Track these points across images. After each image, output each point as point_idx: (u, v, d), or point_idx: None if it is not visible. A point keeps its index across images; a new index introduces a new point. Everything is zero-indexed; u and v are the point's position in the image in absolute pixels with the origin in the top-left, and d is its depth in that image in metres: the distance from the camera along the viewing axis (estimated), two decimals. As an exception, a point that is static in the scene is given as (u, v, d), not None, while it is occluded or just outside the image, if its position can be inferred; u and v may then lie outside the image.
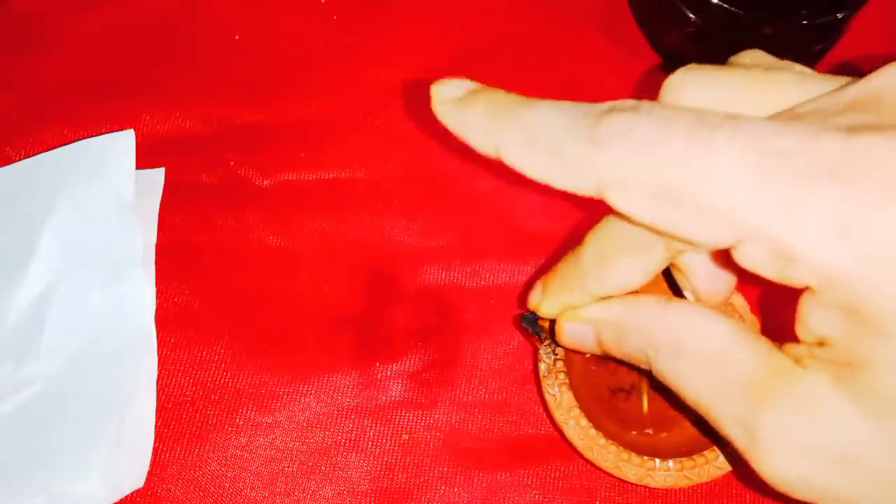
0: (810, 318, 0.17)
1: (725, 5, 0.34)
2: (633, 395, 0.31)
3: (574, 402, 0.29)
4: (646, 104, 0.17)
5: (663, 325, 0.20)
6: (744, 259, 0.16)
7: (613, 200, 0.17)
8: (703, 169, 0.16)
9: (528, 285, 0.35)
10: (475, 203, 0.37)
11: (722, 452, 0.27)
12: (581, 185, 0.18)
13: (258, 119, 0.38)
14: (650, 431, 0.30)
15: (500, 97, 0.19)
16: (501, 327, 0.34)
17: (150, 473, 0.31)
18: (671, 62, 0.39)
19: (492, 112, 0.19)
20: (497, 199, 0.37)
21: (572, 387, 0.29)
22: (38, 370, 0.32)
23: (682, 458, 0.28)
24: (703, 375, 0.18)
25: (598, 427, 0.28)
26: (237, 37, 0.40)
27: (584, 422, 0.28)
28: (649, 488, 0.29)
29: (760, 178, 0.15)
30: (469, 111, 0.20)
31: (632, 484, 0.28)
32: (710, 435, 0.28)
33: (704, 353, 0.18)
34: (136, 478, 0.31)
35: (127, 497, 0.30)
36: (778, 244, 0.16)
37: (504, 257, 0.35)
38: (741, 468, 0.18)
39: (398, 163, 0.37)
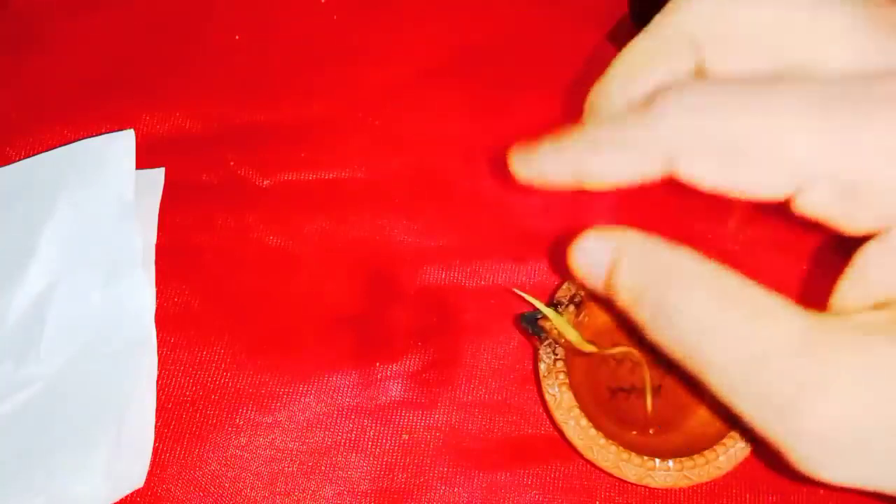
0: (870, 270, 0.16)
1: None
2: (633, 395, 0.31)
3: (574, 402, 0.29)
4: (686, 81, 0.18)
5: (700, 273, 0.17)
6: (808, 206, 0.16)
7: (683, 169, 0.17)
8: (765, 117, 0.16)
9: (529, 285, 0.35)
10: (475, 203, 0.37)
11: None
12: (651, 164, 0.18)
13: (258, 119, 0.38)
14: (652, 431, 0.30)
15: (559, 138, 0.20)
16: (501, 327, 0.34)
17: (150, 473, 0.31)
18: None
19: (558, 149, 0.20)
20: (497, 199, 0.37)
21: (572, 387, 0.29)
22: (38, 370, 0.32)
23: (682, 458, 0.28)
24: (738, 336, 0.16)
25: (598, 427, 0.28)
26: (237, 37, 0.40)
27: (584, 422, 0.28)
28: (649, 488, 0.29)
29: (822, 118, 0.15)
30: (541, 157, 0.20)
31: (632, 484, 0.28)
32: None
33: (745, 311, 0.17)
34: (136, 478, 0.31)
35: (127, 497, 0.30)
36: (841, 180, 0.15)
37: (504, 257, 0.35)
38: (765, 452, 0.17)
39: (398, 163, 0.37)
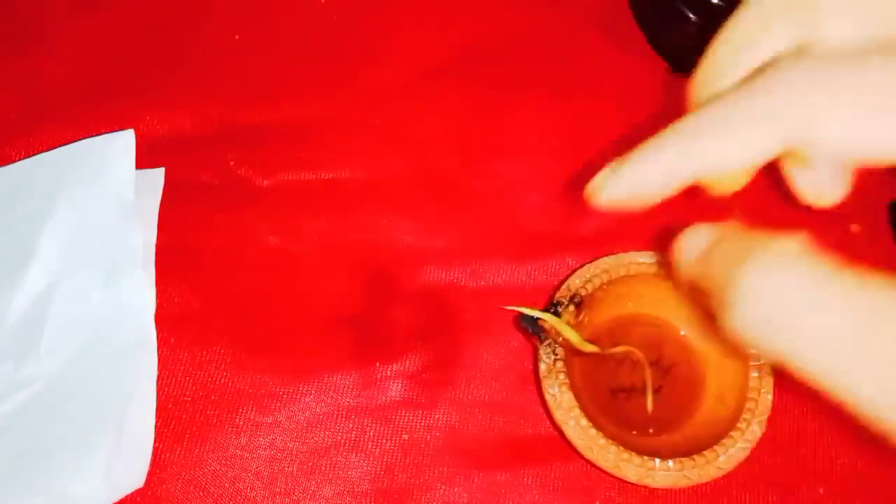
0: None
1: (725, 5, 0.34)
2: (633, 395, 0.31)
3: (574, 402, 0.29)
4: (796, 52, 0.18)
5: (786, 260, 0.17)
6: None
7: (817, 134, 0.17)
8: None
9: (529, 285, 0.35)
10: (475, 203, 0.37)
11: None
12: (773, 137, 0.18)
13: (258, 119, 0.38)
14: (652, 431, 0.30)
15: (659, 138, 0.20)
16: (501, 327, 0.34)
17: (150, 473, 0.31)
18: (672, 62, 0.39)
19: (659, 148, 0.19)
20: (497, 199, 0.37)
21: (572, 387, 0.29)
22: (38, 370, 0.32)
23: (682, 458, 0.28)
24: (833, 310, 0.16)
25: (598, 427, 0.28)
26: (237, 37, 0.40)
27: (584, 422, 0.28)
28: (649, 488, 0.29)
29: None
30: (636, 164, 0.20)
31: (632, 484, 0.28)
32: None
33: (835, 289, 0.17)
34: (136, 477, 0.31)
35: (127, 497, 0.30)
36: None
37: (504, 257, 0.35)
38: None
39: (398, 163, 0.37)
